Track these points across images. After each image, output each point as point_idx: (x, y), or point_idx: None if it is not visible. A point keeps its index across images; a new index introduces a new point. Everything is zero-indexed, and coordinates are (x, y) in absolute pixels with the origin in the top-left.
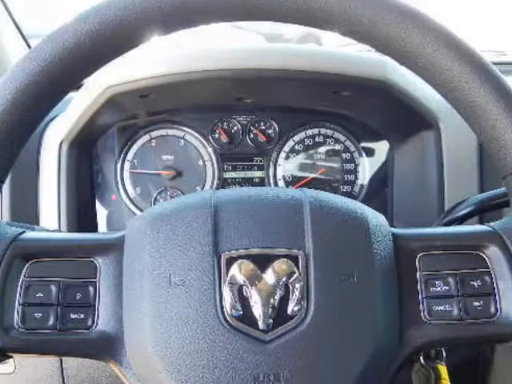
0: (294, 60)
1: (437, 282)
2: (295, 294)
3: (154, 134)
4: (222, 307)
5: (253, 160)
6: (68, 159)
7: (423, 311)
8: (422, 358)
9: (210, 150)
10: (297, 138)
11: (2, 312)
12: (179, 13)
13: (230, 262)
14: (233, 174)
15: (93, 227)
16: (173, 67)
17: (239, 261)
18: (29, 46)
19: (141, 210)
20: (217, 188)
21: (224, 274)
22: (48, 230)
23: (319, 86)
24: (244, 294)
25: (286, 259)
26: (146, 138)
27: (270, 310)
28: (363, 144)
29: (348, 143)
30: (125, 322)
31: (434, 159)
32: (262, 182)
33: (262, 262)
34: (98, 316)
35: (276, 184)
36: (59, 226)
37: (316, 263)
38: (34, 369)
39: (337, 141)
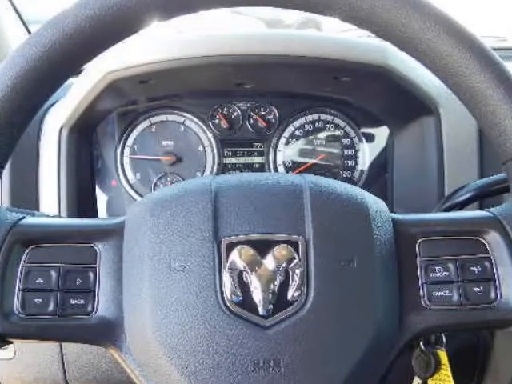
0: (294, 46)
1: (437, 268)
2: (295, 280)
3: (154, 119)
4: (221, 293)
5: (253, 145)
6: (68, 145)
7: (423, 297)
8: (422, 343)
9: (210, 135)
10: (297, 123)
11: (1, 297)
12: None
13: (230, 247)
14: (233, 160)
15: (93, 213)
16: (173, 53)
17: (239, 246)
18: (29, 32)
19: (141, 196)
20: (217, 173)
21: (224, 259)
22: (48, 216)
23: (319, 71)
24: (244, 279)
25: (286, 245)
26: (146, 123)
27: (270, 295)
28: (363, 130)
29: (348, 129)
30: (125, 308)
31: (433, 145)
32: (261, 168)
33: (262, 247)
34: (97, 301)
35: (276, 169)
36: (59, 212)
37: (316, 249)
38: (34, 354)
39: (337, 126)
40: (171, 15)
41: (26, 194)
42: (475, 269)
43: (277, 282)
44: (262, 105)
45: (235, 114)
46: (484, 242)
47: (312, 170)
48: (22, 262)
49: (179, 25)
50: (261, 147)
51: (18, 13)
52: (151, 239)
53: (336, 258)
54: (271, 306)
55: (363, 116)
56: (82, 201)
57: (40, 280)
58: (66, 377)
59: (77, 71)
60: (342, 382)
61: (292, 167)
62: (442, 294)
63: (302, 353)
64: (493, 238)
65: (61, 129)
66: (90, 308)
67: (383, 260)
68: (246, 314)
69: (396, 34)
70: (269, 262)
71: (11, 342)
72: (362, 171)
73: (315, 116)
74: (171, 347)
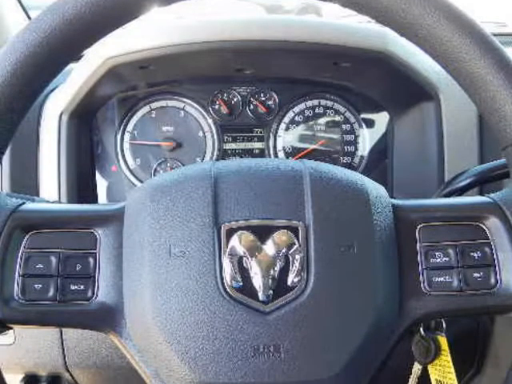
0: (294, 31)
1: (437, 253)
2: (295, 265)
3: (154, 105)
4: (221, 278)
5: (253, 131)
6: (68, 130)
7: (423, 282)
8: (421, 329)
9: (210, 121)
10: (297, 109)
11: (1, 283)
12: None
13: (230, 233)
14: (233, 145)
15: (93, 198)
16: (173, 38)
17: (239, 232)
18: (29, 18)
19: (141, 181)
20: (217, 159)
21: (224, 245)
22: (48, 201)
23: (319, 57)
24: (244, 265)
25: (286, 230)
26: (146, 109)
27: (270, 281)
28: (363, 115)
29: (348, 114)
30: (125, 293)
31: (433, 130)
32: (262, 153)
33: (262, 233)
34: (97, 287)
35: (276, 155)
36: (59, 197)
37: (316, 234)
38: (34, 340)
39: (337, 112)
40: (171, 0)
41: (25, 180)
42: (475, 254)
43: (277, 268)
44: (262, 90)
45: (235, 99)
46: (484, 227)
47: (312, 155)
48: (21, 248)
49: (179, 10)
50: (261, 133)
51: None
52: (151, 225)
53: (336, 244)
54: (271, 292)
55: (363, 101)
56: (81, 186)
57: (40, 265)
58: (65, 362)
59: (77, 57)
60: (342, 368)
61: (292, 153)
62: (441, 279)
63: (301, 338)
64: (493, 224)
65: (61, 114)
66: (89, 294)
67: (383, 245)
68: (245, 299)
69: (396, 20)
70: (269, 248)
71: (11, 328)
72: (361, 157)
73: (315, 102)
74: (171, 333)
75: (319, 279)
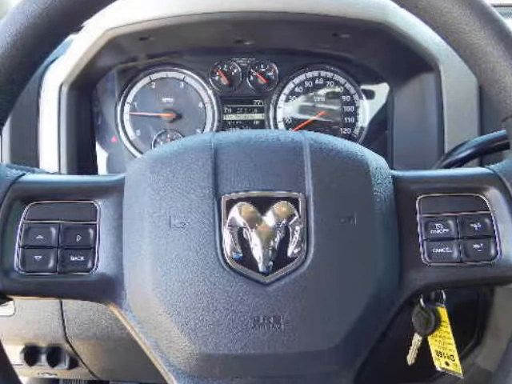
0: (293, 2)
1: (437, 225)
2: (295, 237)
3: (154, 76)
4: (222, 250)
5: (253, 102)
6: (68, 101)
7: (423, 254)
8: (421, 300)
9: (210, 92)
10: (297, 80)
11: (1, 254)
12: None
13: (230, 204)
14: (233, 117)
15: (93, 169)
16: (173, 9)
17: (239, 203)
18: None
19: (141, 153)
20: (217, 130)
21: (224, 216)
22: (48, 173)
23: (319, 28)
24: (244, 236)
25: (286, 201)
26: (146, 80)
27: (270, 252)
28: (363, 86)
29: (348, 85)
30: (125, 265)
31: (433, 101)
32: (262, 125)
33: (262, 204)
34: (97, 258)
35: (276, 126)
36: (59, 169)
37: (316, 205)
38: (34, 311)
39: (337, 83)
40: None
41: (25, 151)
42: (475, 226)
43: (277, 239)
44: (261, 62)
45: (235, 70)
46: (484, 198)
47: (312, 126)
48: (21, 219)
49: None
50: (261, 104)
51: None
52: (151, 196)
53: (336, 215)
54: (271, 263)
55: (363, 73)
56: (81, 157)
57: (40, 237)
58: (65, 333)
59: (77, 28)
60: (342, 339)
61: (292, 124)
62: (441, 250)
63: (301, 310)
64: (493, 195)
65: (61, 86)
66: (89, 265)
67: (383, 217)
68: (245, 270)
69: None
70: (269, 219)
71: (11, 299)
72: (361, 128)
73: (315, 73)
74: (171, 304)
75: (319, 250)
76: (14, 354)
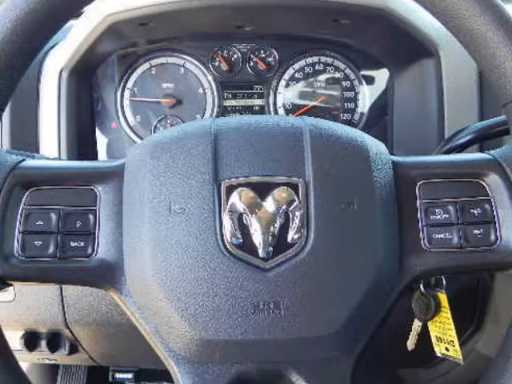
0: None
1: (437, 210)
2: (295, 222)
3: (154, 61)
4: (221, 235)
5: (253, 88)
6: (68, 87)
7: (423, 239)
8: (422, 286)
9: (210, 77)
10: (297, 65)
11: (1, 240)
12: None
13: (230, 189)
14: (233, 102)
15: (93, 155)
16: None
17: (239, 189)
18: None
19: (141, 138)
20: (217, 116)
21: (224, 201)
22: (48, 158)
23: (319, 13)
24: (244, 222)
25: (286, 187)
26: (145, 66)
27: (270, 238)
28: (363, 72)
29: (348, 71)
30: (125, 250)
31: (433, 87)
32: (262, 110)
33: (262, 189)
34: (97, 244)
35: (276, 112)
36: (59, 154)
37: (316, 191)
38: (34, 297)
39: (337, 69)
40: None
41: (25, 137)
42: (475, 211)
43: (277, 225)
44: (262, 47)
45: (235, 56)
46: (484, 184)
47: (312, 112)
48: (21, 205)
49: None
50: (261, 89)
51: None
52: (151, 182)
53: (336, 201)
54: (271, 249)
55: (363, 58)
56: (81, 143)
57: (40, 222)
58: (65, 319)
59: (77, 14)
60: (342, 324)
61: (292, 109)
62: (441, 236)
63: (301, 295)
64: (493, 181)
65: (61, 71)
66: (89, 250)
67: (383, 202)
68: (245, 256)
69: None
70: (269, 205)
71: (11, 285)
72: (361, 113)
73: (315, 58)
74: (171, 289)
75: (319, 236)
76: (14, 340)
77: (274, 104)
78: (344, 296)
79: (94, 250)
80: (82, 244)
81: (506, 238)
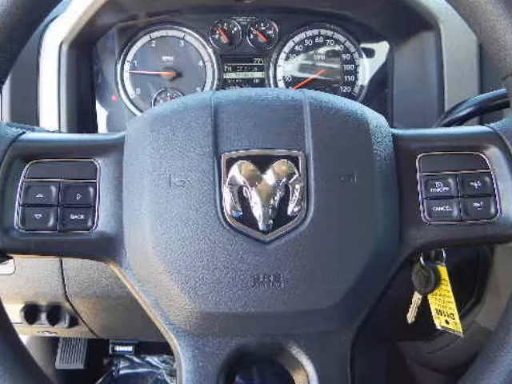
0: None
1: (437, 183)
2: (295, 195)
3: (154, 34)
4: (221, 208)
5: (253, 61)
6: (68, 60)
7: (423, 212)
8: (421, 259)
9: (210, 50)
10: (297, 38)
11: (1, 213)
12: None
13: (230, 162)
14: (233, 75)
15: (93, 128)
16: None
17: (239, 161)
18: None
19: (141, 111)
20: (217, 89)
21: (224, 174)
22: (48, 131)
23: None
24: (244, 194)
25: (285, 160)
26: (145, 38)
27: (270, 210)
28: (363, 45)
29: (348, 44)
30: (125, 223)
31: (433, 60)
32: (262, 83)
33: (262, 162)
34: (97, 217)
35: (276, 85)
36: (59, 127)
37: (316, 164)
38: (34, 269)
39: (337, 41)
40: None
41: (25, 110)
42: (475, 184)
43: (277, 198)
44: (262, 20)
45: (235, 29)
46: (484, 157)
47: (312, 85)
48: (21, 178)
49: None
50: (261, 62)
51: None
52: (151, 154)
53: (336, 173)
54: (271, 222)
55: (363, 31)
56: (81, 116)
57: (40, 195)
58: (65, 292)
59: None
60: (342, 297)
61: (292, 82)
62: (441, 209)
63: (301, 268)
64: (493, 153)
65: (61, 44)
66: (89, 223)
67: (383, 175)
68: (245, 229)
69: None
70: (269, 178)
71: (11, 257)
72: (361, 86)
73: (315, 31)
74: (171, 262)
75: (319, 209)
76: (14, 313)
77: (274, 77)
78: (344, 269)
79: (93, 223)
80: (81, 217)
81: (506, 211)
